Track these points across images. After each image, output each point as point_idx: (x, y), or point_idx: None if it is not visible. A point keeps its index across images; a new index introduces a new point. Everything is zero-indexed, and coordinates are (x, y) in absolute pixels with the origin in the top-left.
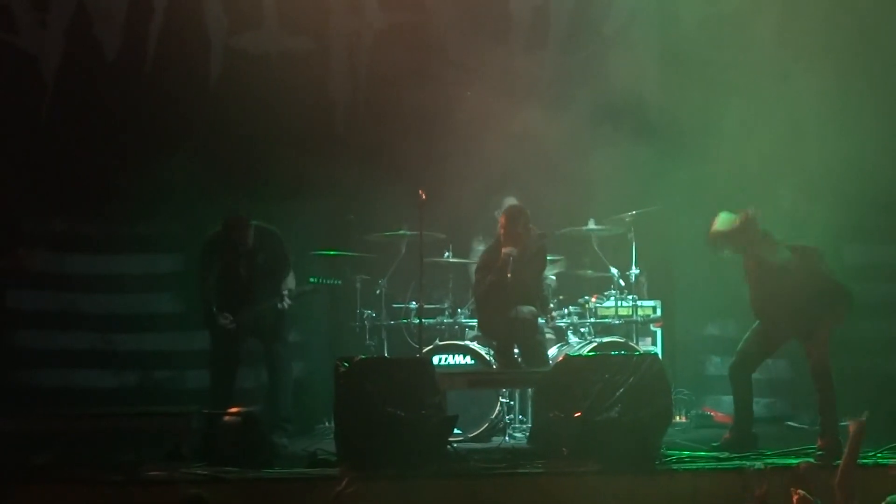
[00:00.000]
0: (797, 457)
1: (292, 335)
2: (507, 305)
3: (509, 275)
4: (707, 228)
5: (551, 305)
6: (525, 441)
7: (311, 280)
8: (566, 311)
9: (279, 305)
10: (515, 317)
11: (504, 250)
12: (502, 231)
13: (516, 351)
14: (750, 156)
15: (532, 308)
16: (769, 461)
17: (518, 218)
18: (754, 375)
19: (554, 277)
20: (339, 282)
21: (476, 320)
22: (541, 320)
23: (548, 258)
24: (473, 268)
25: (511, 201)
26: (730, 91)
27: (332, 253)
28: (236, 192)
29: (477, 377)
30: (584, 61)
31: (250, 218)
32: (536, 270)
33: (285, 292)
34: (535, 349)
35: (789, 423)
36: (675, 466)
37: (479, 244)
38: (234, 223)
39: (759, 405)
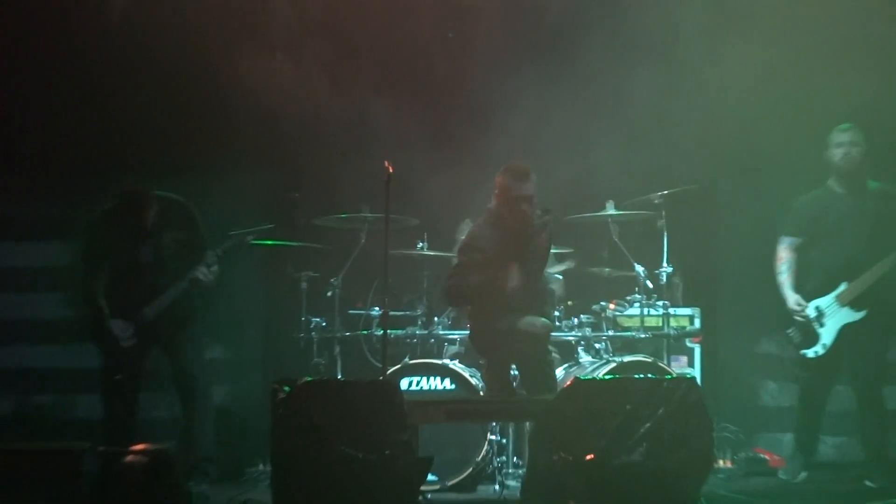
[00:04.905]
0: None
1: (215, 350)
2: (511, 311)
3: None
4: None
5: (556, 314)
6: (519, 491)
7: (232, 234)
8: (576, 321)
9: (197, 274)
10: (526, 330)
11: (511, 270)
12: (499, 198)
13: (514, 372)
14: (811, 120)
15: (546, 320)
16: None
17: (525, 178)
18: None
19: (560, 277)
20: (271, 225)
21: (454, 332)
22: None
23: (552, 250)
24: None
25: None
26: (786, 42)
27: (268, 243)
28: (137, 161)
29: (458, 407)
30: None
31: (152, 193)
32: (539, 260)
33: (199, 267)
34: (542, 372)
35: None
36: None
37: (465, 234)
38: (131, 199)
39: (826, 446)
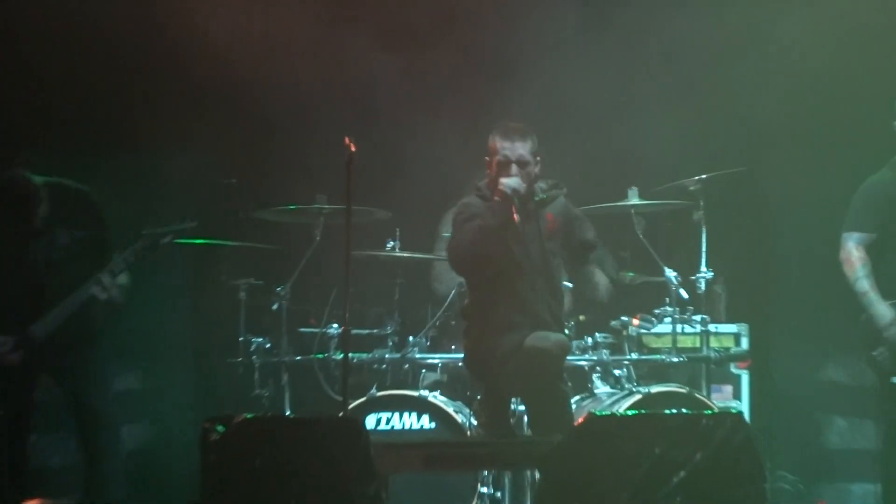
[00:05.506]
0: None
1: (128, 379)
2: (518, 327)
3: (516, 217)
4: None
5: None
6: None
7: (145, 233)
8: (590, 341)
9: (95, 290)
10: (534, 346)
11: (503, 181)
12: (487, 165)
13: (518, 407)
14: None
15: (560, 336)
16: None
17: (513, 135)
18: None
19: (569, 285)
20: (195, 223)
21: (434, 355)
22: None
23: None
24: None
25: None
26: None
27: (197, 242)
28: (31, 141)
29: (440, 451)
30: None
31: (40, 183)
32: (559, 245)
33: (101, 277)
34: (554, 407)
35: None
36: None
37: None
38: (9, 187)
39: None
